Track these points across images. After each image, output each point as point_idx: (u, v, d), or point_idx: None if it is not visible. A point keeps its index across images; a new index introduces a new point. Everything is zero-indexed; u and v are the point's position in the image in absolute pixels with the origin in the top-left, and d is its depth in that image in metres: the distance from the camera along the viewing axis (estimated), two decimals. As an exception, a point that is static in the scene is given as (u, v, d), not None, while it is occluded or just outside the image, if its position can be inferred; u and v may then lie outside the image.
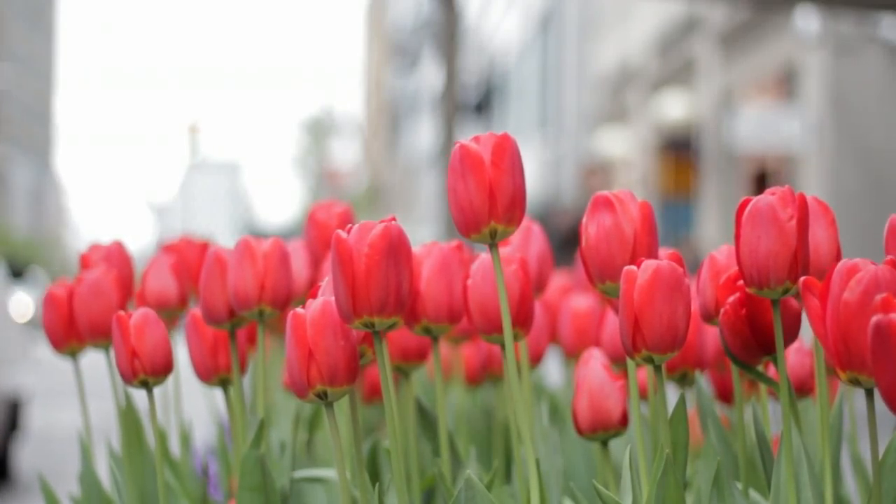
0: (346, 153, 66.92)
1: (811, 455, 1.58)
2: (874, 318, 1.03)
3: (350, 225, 1.36)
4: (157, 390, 1.65)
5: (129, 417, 1.92)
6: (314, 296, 1.43)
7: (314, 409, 2.18)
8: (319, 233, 2.10)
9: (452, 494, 1.50)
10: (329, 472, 1.74)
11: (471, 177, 1.39)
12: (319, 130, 65.92)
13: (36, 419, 10.40)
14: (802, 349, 1.77)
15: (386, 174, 58.96)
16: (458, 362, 2.27)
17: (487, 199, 1.39)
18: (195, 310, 1.77)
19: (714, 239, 15.22)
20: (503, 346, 1.55)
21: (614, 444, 1.94)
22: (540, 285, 1.90)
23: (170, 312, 2.01)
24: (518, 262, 1.60)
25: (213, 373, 1.75)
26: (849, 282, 1.18)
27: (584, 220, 1.47)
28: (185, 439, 2.18)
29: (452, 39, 12.91)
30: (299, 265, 2.13)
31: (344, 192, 54.52)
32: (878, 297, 1.07)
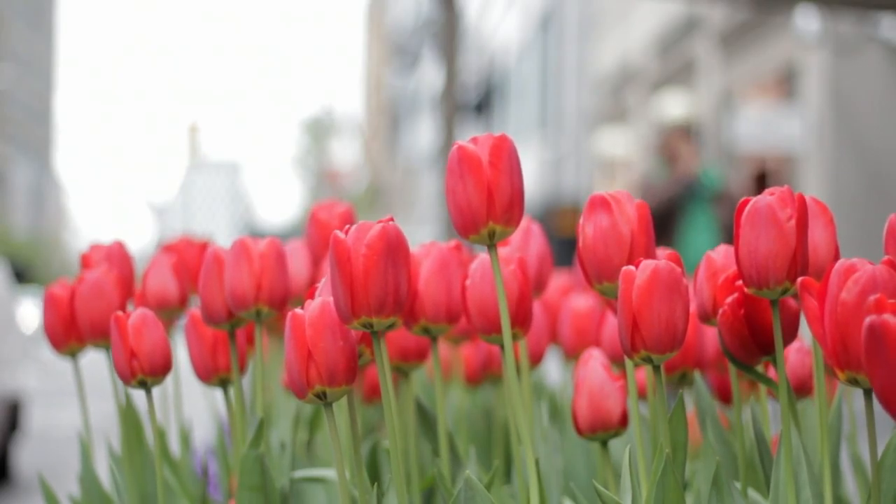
0: (346, 153, 66.97)
1: (810, 455, 1.58)
2: (867, 319, 1.03)
3: (349, 225, 1.36)
4: (156, 390, 1.65)
5: (129, 417, 1.92)
6: (311, 296, 1.43)
7: (314, 409, 2.18)
8: (321, 233, 2.10)
9: (452, 494, 1.50)
10: (329, 472, 1.74)
11: (469, 178, 1.39)
12: (319, 130, 65.97)
13: (36, 419, 10.40)
14: (802, 349, 1.77)
15: (386, 174, 58.93)
16: (458, 362, 2.27)
17: (486, 200, 1.39)
18: (195, 310, 1.77)
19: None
20: (502, 347, 1.55)
21: (614, 444, 1.94)
22: (540, 285, 1.90)
23: (170, 312, 2.01)
24: (517, 262, 1.60)
25: (213, 373, 1.75)
26: (846, 282, 1.18)
27: (581, 220, 1.47)
28: (185, 439, 2.18)
29: (452, 39, 12.89)
30: (300, 265, 2.12)
31: (344, 192, 54.51)
32: (872, 298, 1.07)
